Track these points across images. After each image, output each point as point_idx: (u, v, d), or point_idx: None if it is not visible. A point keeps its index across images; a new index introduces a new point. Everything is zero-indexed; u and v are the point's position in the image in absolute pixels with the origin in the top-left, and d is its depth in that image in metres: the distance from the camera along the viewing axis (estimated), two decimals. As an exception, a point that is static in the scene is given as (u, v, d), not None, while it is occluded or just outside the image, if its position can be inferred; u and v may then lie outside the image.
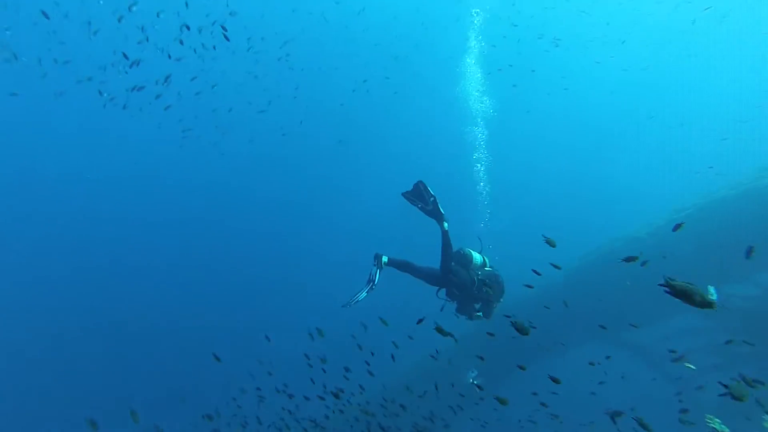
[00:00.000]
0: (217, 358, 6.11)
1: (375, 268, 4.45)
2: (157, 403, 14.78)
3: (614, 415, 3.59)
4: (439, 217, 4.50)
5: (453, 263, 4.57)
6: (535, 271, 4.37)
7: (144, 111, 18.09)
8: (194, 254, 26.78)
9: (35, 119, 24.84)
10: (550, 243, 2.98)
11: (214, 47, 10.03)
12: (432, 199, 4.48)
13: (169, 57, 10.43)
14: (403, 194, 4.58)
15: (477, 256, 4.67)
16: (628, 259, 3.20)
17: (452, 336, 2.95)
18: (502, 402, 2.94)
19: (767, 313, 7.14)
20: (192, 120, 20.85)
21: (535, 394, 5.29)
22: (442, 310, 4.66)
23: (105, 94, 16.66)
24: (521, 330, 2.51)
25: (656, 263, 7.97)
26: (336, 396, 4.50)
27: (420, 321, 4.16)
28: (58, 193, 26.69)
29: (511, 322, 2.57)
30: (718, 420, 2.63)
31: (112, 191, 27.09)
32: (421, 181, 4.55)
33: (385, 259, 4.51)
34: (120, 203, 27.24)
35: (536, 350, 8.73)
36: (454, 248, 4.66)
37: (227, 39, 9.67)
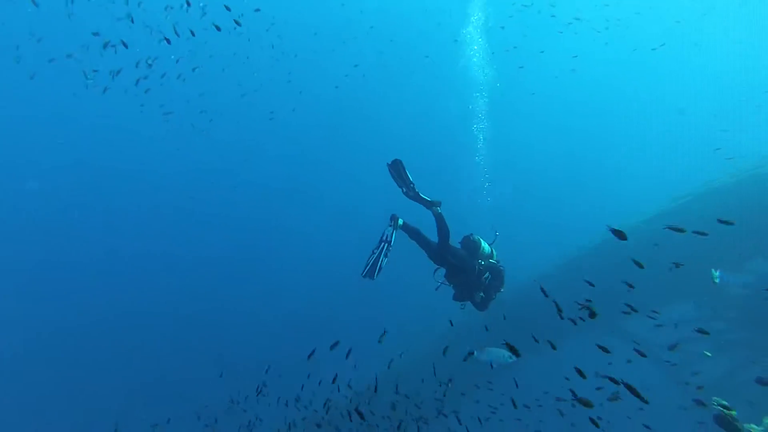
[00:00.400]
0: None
1: (390, 228, 4.46)
2: (156, 405, 14.81)
3: (613, 398, 3.71)
4: (425, 204, 4.47)
5: (460, 246, 4.64)
6: (588, 282, 4.43)
7: (129, 93, 17.55)
8: (180, 243, 26.21)
9: (10, 103, 23.99)
10: (620, 235, 2.95)
11: (218, 28, 9.64)
12: (412, 185, 4.44)
13: (167, 41, 9.97)
14: (388, 165, 4.49)
15: (486, 246, 4.71)
16: (676, 229, 3.24)
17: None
18: (587, 404, 2.77)
19: (759, 300, 7.34)
20: (180, 103, 20.31)
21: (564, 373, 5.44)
22: (437, 289, 4.74)
23: (89, 78, 16.03)
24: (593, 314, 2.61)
25: (653, 251, 8.13)
26: (361, 416, 4.58)
27: (334, 345, 4.18)
28: (34, 179, 25.87)
29: (585, 305, 2.69)
30: (725, 401, 2.75)
31: (93, 177, 26.09)
32: (399, 161, 4.43)
33: (401, 221, 4.53)
34: (103, 191, 26.27)
35: (535, 339, 8.92)
36: (467, 233, 4.73)
37: (238, 23, 9.29)
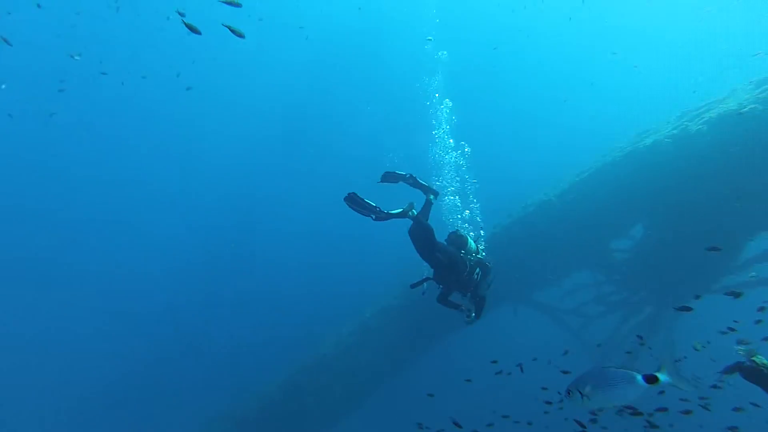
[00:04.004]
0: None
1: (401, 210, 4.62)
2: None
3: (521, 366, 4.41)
4: (400, 215, 4.62)
5: (446, 243, 4.89)
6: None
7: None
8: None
9: None
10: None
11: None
12: (377, 208, 4.51)
13: None
14: (345, 200, 4.53)
15: (472, 242, 5.04)
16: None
17: None
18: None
19: (638, 262, 9.44)
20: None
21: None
22: (424, 294, 4.97)
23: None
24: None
25: (558, 226, 9.64)
26: None
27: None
28: None
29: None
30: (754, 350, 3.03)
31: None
32: (353, 194, 4.50)
33: (415, 212, 4.65)
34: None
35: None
36: (451, 229, 5.08)
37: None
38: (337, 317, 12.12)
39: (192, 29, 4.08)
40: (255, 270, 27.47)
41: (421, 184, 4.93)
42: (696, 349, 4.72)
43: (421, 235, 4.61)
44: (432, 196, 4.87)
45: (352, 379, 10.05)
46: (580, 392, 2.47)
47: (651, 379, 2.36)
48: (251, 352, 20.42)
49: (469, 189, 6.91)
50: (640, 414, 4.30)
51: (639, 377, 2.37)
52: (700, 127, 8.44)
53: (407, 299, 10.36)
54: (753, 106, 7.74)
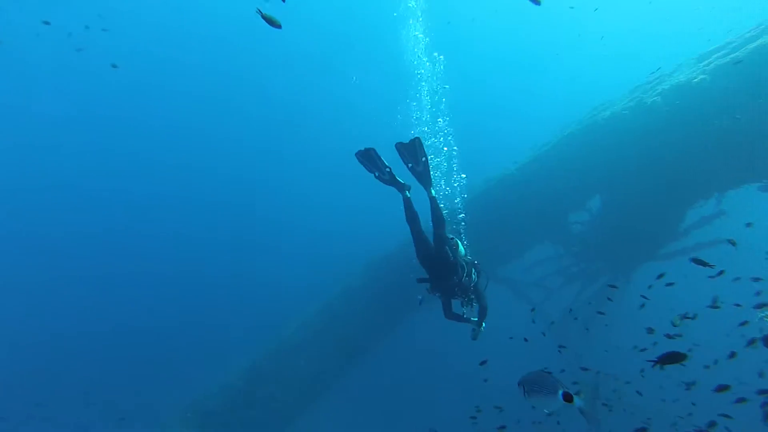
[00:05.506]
0: None
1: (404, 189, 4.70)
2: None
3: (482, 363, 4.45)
4: (427, 182, 4.68)
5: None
6: None
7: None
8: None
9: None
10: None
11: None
12: (424, 159, 4.58)
13: None
14: (396, 145, 4.69)
15: (461, 246, 4.90)
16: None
17: None
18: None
19: (596, 234, 9.83)
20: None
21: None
22: (420, 303, 4.84)
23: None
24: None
25: (520, 200, 9.77)
26: None
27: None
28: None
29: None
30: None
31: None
32: (419, 138, 4.61)
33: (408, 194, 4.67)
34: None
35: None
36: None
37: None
38: (299, 299, 11.90)
39: (271, 23, 3.70)
40: (214, 255, 26.60)
41: (429, 176, 4.74)
42: (675, 325, 4.97)
43: (439, 222, 4.56)
44: (408, 192, 4.71)
45: (318, 365, 9.92)
46: (524, 387, 2.59)
47: (568, 398, 2.43)
48: (212, 339, 19.96)
49: (442, 96, 6.48)
50: None
51: (560, 392, 2.47)
52: (655, 98, 8.71)
53: (370, 279, 10.27)
54: (702, 77, 8.06)
